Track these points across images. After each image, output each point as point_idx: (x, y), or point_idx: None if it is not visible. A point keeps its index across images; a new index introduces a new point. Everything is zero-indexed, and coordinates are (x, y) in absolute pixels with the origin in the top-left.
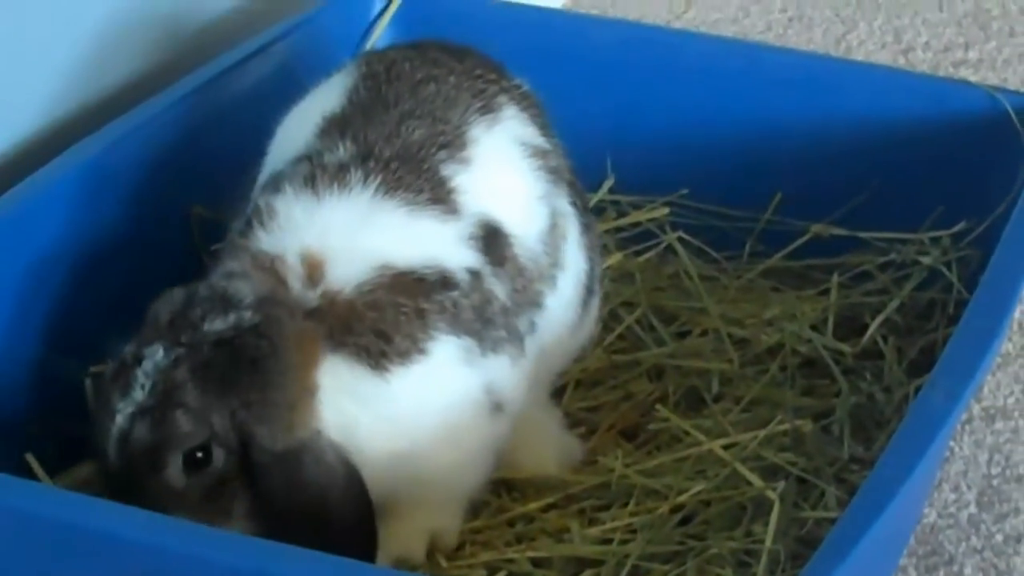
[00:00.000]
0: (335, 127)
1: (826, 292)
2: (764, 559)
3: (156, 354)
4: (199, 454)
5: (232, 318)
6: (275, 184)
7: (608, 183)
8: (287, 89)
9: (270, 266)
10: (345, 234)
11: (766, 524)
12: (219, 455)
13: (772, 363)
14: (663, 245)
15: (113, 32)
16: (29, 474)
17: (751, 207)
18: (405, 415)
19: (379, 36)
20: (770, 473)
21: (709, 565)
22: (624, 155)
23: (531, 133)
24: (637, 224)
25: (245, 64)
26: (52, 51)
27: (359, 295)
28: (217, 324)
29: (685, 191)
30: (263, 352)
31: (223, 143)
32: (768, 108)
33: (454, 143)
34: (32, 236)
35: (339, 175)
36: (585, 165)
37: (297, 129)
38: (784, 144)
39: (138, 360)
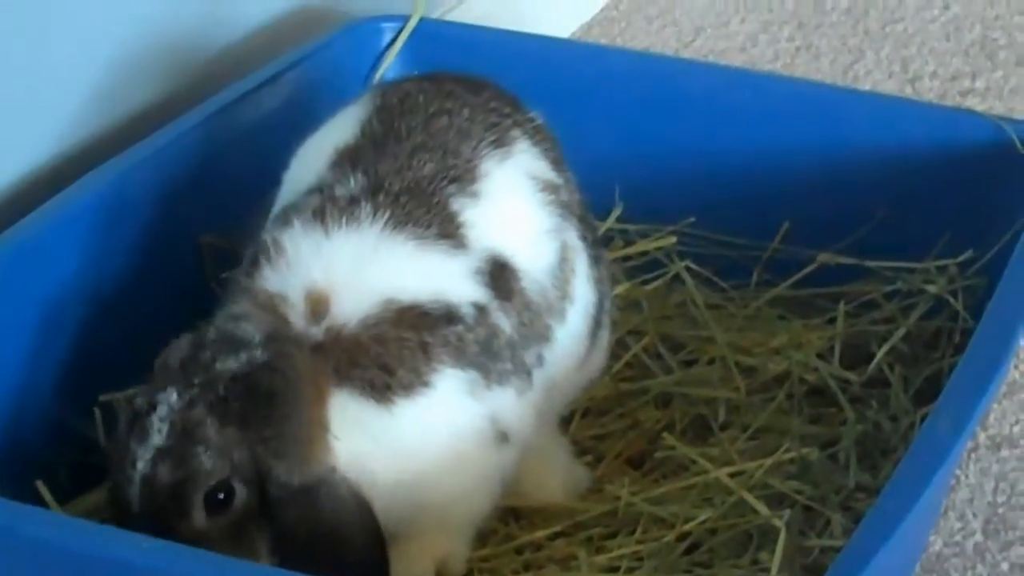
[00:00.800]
0: (347, 159)
1: (832, 321)
2: None
3: (170, 398)
4: (220, 495)
5: (244, 356)
6: (284, 217)
7: (616, 212)
8: (298, 118)
9: (272, 305)
10: (351, 269)
11: (772, 552)
12: (241, 492)
13: (779, 391)
14: (670, 274)
15: (125, 62)
16: (40, 502)
17: (758, 236)
18: (411, 446)
19: (389, 65)
20: (776, 501)
21: None
22: (632, 184)
23: (543, 167)
24: (645, 253)
25: (256, 93)
26: (65, 80)
27: (364, 329)
28: (229, 363)
29: (692, 219)
30: (277, 386)
31: (234, 172)
32: (775, 137)
33: (464, 177)
34: (44, 264)
35: (349, 208)
36: (593, 194)
37: (311, 160)
38: (791, 173)
39: (152, 406)
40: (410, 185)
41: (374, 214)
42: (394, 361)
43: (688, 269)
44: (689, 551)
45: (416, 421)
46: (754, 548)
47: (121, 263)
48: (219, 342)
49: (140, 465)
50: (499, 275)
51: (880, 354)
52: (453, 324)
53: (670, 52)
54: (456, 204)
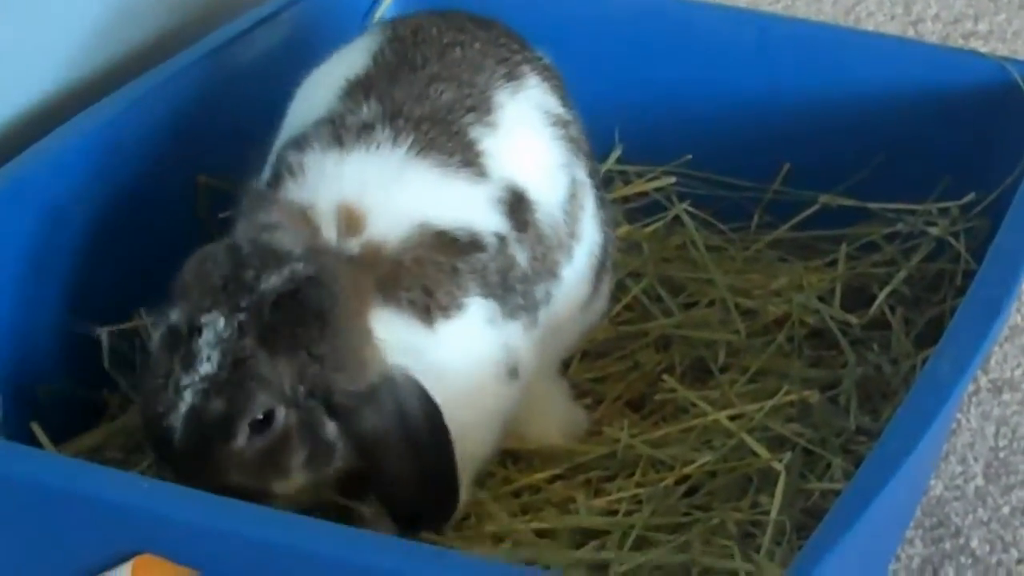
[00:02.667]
0: (359, 89)
1: (834, 263)
2: (770, 530)
3: (217, 323)
4: (261, 417)
5: (286, 271)
6: (299, 144)
7: (616, 153)
8: (296, 57)
9: (304, 216)
10: (382, 189)
11: (772, 495)
12: (280, 414)
13: (779, 334)
14: (671, 215)
15: (121, 1)
16: (34, 443)
17: (759, 178)
18: (446, 370)
19: (388, 5)
20: (776, 444)
21: (714, 536)
22: (632, 126)
23: (553, 103)
24: (644, 194)
25: (253, 32)
26: (61, 19)
27: (404, 250)
28: (272, 281)
29: (689, 157)
30: (326, 304)
31: (230, 112)
32: (777, 78)
33: (481, 107)
34: (39, 201)
35: (367, 133)
36: (593, 135)
37: (319, 92)
38: (792, 115)
39: (196, 329)
40: (430, 113)
41: (395, 139)
42: (433, 284)
43: (688, 212)
44: (688, 494)
45: (452, 345)
46: (753, 491)
47: (115, 201)
48: (258, 256)
49: (189, 395)
50: (517, 206)
51: (881, 297)
52: (479, 252)
53: None
54: (474, 133)
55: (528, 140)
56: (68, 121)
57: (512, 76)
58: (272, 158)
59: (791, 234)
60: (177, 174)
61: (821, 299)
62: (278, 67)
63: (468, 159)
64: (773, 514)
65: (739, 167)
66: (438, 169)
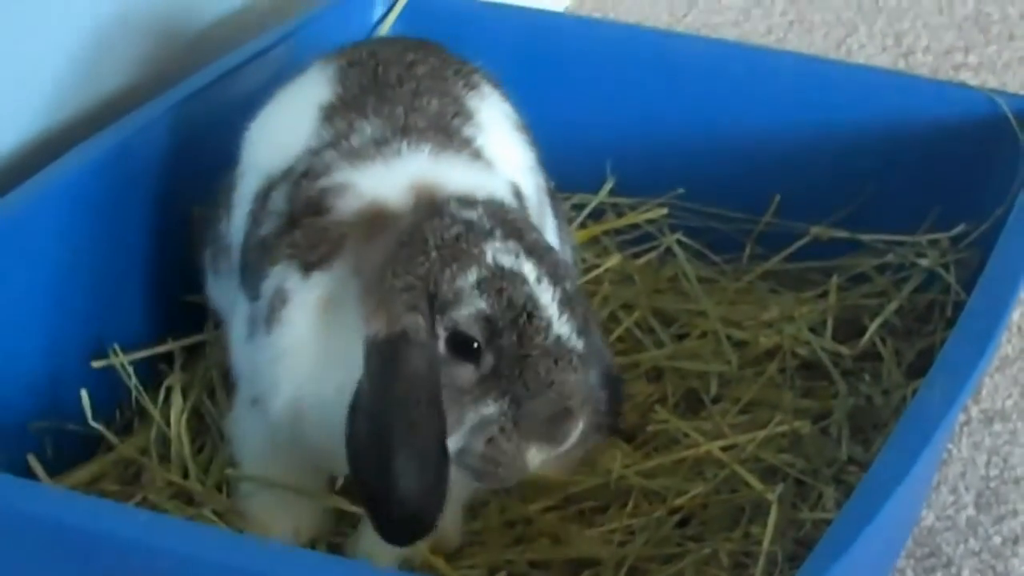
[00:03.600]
0: (341, 112)
1: (825, 294)
2: (762, 561)
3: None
4: None
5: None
6: (311, 174)
7: (608, 185)
8: None
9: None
10: (439, 177)
11: (764, 526)
12: None
13: (771, 365)
14: (662, 247)
15: (113, 36)
16: (30, 475)
17: (750, 209)
18: None
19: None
20: (768, 474)
21: (707, 566)
22: (624, 158)
23: (510, 108)
24: (636, 226)
25: (246, 67)
26: (52, 53)
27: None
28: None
29: (682, 191)
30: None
31: (223, 145)
32: (768, 111)
33: (463, 112)
34: (31, 239)
35: (382, 145)
36: (586, 167)
37: (283, 129)
38: (784, 146)
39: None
40: (431, 121)
41: (416, 145)
42: None
43: (680, 243)
44: (681, 524)
45: None
46: (746, 521)
47: (108, 236)
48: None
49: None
50: (520, 198)
51: (872, 328)
52: None
53: (663, 26)
54: (468, 133)
55: (506, 140)
56: (61, 157)
57: (471, 85)
58: (260, 203)
59: (782, 265)
60: (172, 207)
61: (812, 330)
62: None
63: (478, 156)
64: (766, 544)
65: (730, 199)
66: (462, 163)
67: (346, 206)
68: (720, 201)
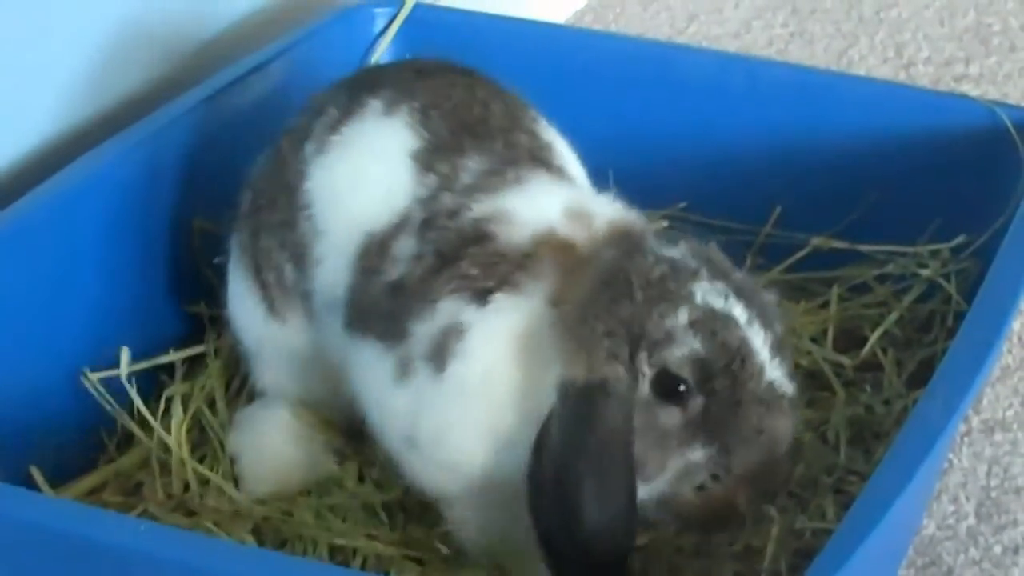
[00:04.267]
0: (438, 157)
1: (826, 305)
2: (766, 566)
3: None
4: None
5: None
6: (431, 224)
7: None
8: (290, 104)
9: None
10: (573, 200)
11: (764, 536)
12: None
13: None
14: None
15: (116, 47)
16: (32, 486)
17: (751, 220)
18: None
19: (383, 52)
20: None
21: None
22: (626, 169)
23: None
24: None
25: (248, 79)
26: (56, 66)
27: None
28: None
29: (683, 204)
30: None
31: (225, 157)
32: (769, 122)
33: (544, 145)
34: (35, 249)
35: (493, 177)
36: (588, 179)
37: (378, 183)
38: (785, 158)
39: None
40: (530, 154)
41: (527, 174)
42: None
43: None
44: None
45: None
46: (748, 534)
47: (111, 247)
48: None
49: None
50: None
51: (873, 338)
52: None
53: (664, 39)
54: (558, 163)
55: (577, 168)
56: (64, 168)
57: (536, 118)
58: (372, 258)
59: (783, 276)
60: (174, 218)
61: (813, 340)
62: (272, 113)
63: (575, 184)
64: (767, 557)
65: (731, 210)
66: (582, 192)
67: (514, 232)
68: (721, 212)
